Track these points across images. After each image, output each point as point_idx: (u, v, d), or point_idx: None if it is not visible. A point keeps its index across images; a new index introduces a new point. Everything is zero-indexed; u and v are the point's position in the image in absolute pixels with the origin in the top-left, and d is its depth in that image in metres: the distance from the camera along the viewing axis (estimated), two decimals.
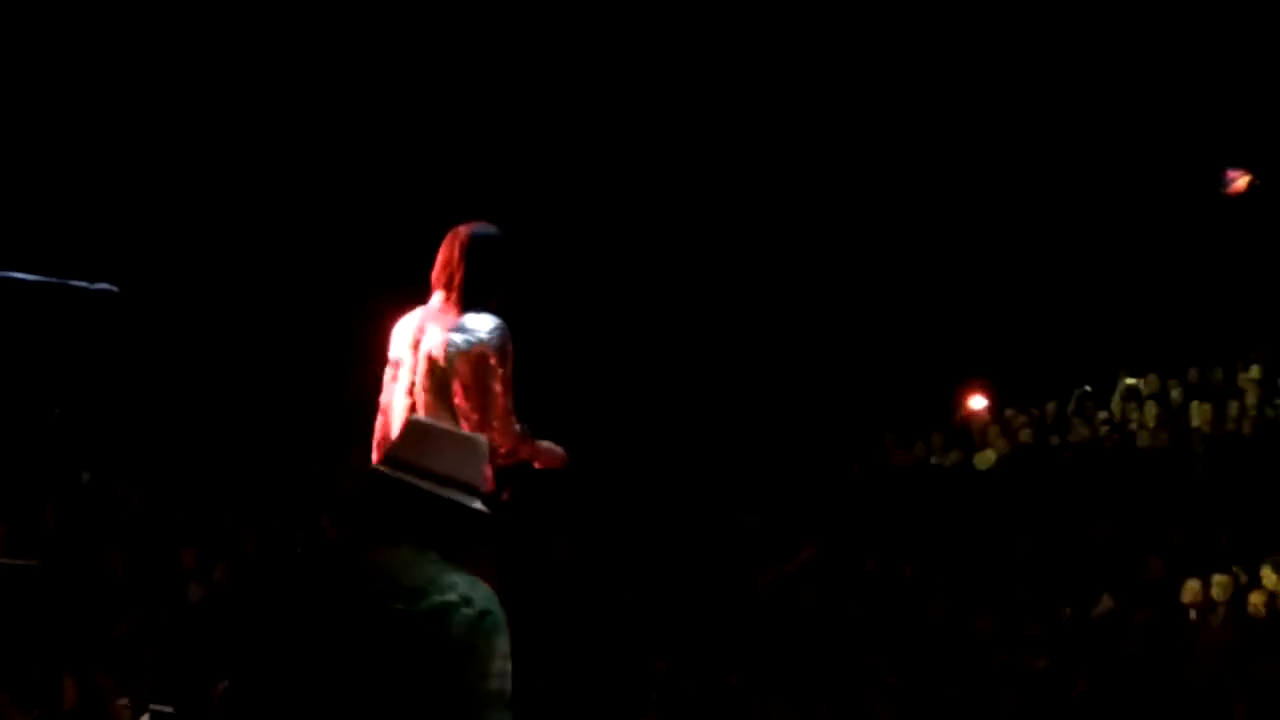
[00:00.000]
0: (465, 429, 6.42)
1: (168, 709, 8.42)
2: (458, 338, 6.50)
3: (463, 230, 6.66)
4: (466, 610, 3.83)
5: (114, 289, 5.33)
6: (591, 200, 13.49)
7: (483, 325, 6.42)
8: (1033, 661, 10.09)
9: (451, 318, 6.57)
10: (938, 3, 13.19)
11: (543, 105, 13.34)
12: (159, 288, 11.18)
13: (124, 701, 8.41)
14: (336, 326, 11.07)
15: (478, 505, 4.03)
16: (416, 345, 6.67)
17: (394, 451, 4.13)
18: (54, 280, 5.26)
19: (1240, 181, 12.58)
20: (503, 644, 3.87)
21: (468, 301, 6.53)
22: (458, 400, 6.46)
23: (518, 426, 6.37)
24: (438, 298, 6.66)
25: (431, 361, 6.62)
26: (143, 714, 8.42)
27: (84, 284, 5.24)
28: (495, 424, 6.37)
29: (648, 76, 13.28)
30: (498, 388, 6.37)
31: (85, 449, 10.90)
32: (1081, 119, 13.37)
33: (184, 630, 9.72)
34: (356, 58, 12.90)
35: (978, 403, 13.45)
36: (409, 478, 4.02)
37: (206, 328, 12.64)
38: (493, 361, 6.37)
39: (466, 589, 3.88)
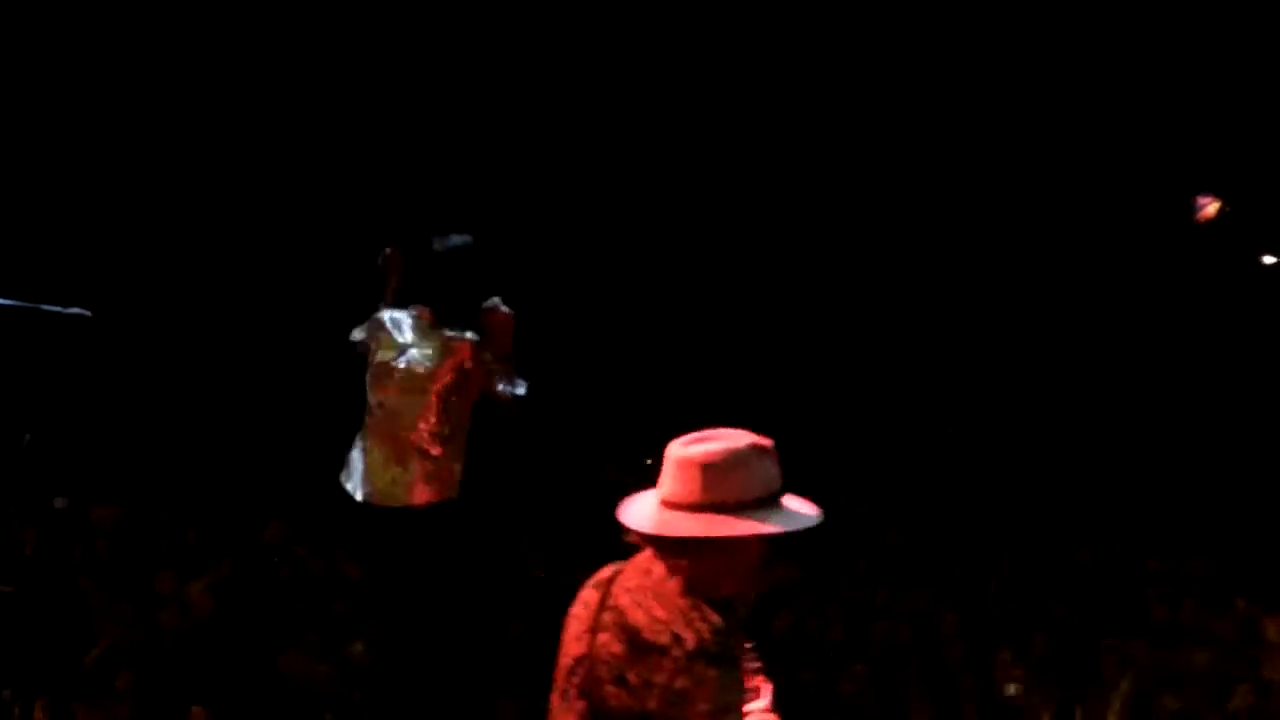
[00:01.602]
0: (447, 431, 6.50)
1: None
2: (437, 347, 6.59)
3: (436, 243, 6.73)
4: None
5: (87, 313, 5.35)
6: (560, 198, 13.47)
7: (460, 334, 6.52)
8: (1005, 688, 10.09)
9: (430, 326, 6.65)
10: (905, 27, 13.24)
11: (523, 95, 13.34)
12: (132, 311, 11.17)
13: None
14: (312, 345, 11.09)
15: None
16: (396, 353, 6.74)
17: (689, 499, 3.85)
18: (27, 305, 5.28)
19: (1210, 208, 12.65)
20: None
21: (444, 311, 6.62)
22: (440, 404, 6.55)
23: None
24: (415, 308, 6.74)
25: (411, 369, 6.69)
26: None
27: (57, 308, 5.26)
28: (459, 434, 6.49)
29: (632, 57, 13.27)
30: (476, 388, 6.50)
31: (59, 474, 10.89)
32: (1050, 145, 13.41)
33: (159, 655, 9.69)
34: (337, 64, 12.90)
35: None
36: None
37: (180, 350, 12.63)
38: (469, 366, 6.47)
39: None
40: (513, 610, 9.53)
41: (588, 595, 4.02)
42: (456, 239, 6.74)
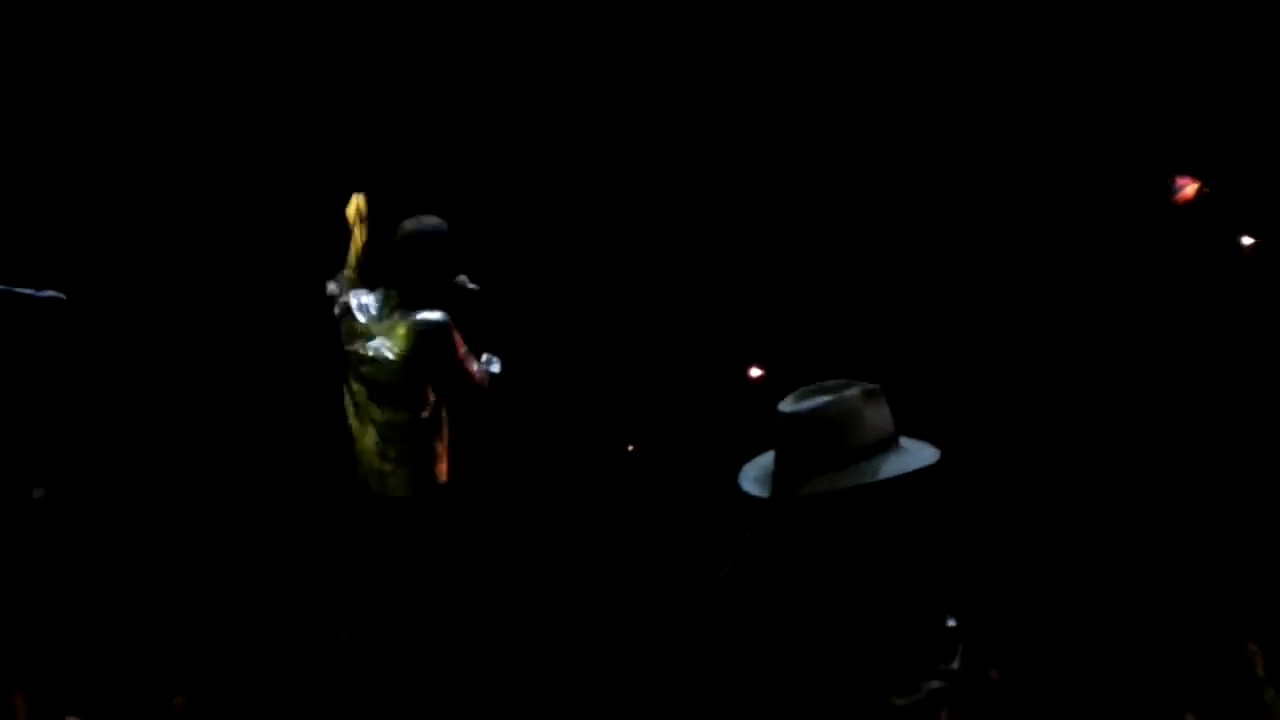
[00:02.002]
0: (427, 416, 6.50)
1: None
2: (407, 331, 6.59)
3: (407, 225, 6.72)
4: None
5: (62, 296, 5.31)
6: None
7: (430, 317, 6.52)
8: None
9: (399, 311, 6.65)
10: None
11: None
12: (109, 293, 11.11)
13: None
14: (288, 329, 11.04)
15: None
16: (365, 340, 6.73)
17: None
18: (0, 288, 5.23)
19: (1189, 189, 12.65)
20: None
21: (414, 295, 6.61)
22: (415, 389, 6.56)
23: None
24: (384, 291, 6.73)
25: (381, 355, 6.70)
26: None
27: (31, 291, 5.21)
28: (443, 410, 6.49)
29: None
30: (450, 372, 6.51)
31: (36, 463, 10.83)
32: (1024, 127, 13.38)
33: (139, 645, 9.67)
34: (312, 50, 12.85)
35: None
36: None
37: (159, 334, 12.58)
38: (441, 349, 6.48)
39: None
40: (500, 602, 9.53)
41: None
42: (427, 220, 6.74)
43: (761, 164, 13.50)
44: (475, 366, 6.78)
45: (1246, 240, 13.12)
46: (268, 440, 12.13)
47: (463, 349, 6.71)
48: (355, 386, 6.80)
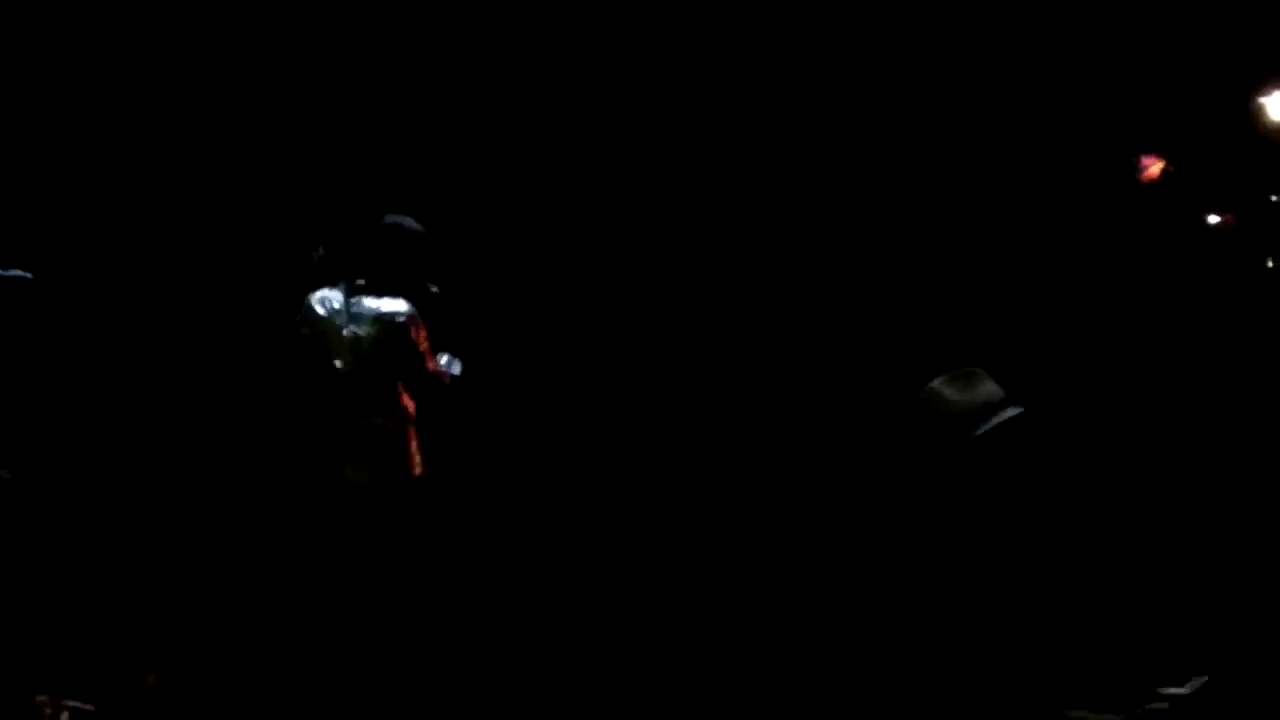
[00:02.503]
0: (396, 407, 6.55)
1: (88, 707, 8.39)
2: (376, 319, 6.64)
3: (386, 221, 6.78)
4: None
5: (28, 275, 5.33)
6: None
7: (399, 308, 6.58)
8: None
9: (369, 300, 6.70)
10: None
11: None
12: (76, 273, 11.08)
13: (43, 699, 8.37)
14: (254, 310, 11.03)
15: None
16: (337, 327, 6.76)
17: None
18: None
19: (1154, 168, 12.71)
20: None
21: (382, 289, 6.67)
22: (381, 381, 6.61)
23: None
24: (349, 284, 6.77)
25: (356, 342, 6.75)
26: (62, 712, 8.39)
27: None
28: (407, 396, 6.55)
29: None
30: (416, 362, 6.56)
31: (2, 445, 10.81)
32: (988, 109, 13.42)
33: (108, 625, 9.66)
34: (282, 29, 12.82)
35: None
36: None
37: (126, 314, 12.56)
38: (411, 338, 6.54)
39: None
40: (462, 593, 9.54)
41: None
42: (406, 219, 6.78)
43: (715, 160, 13.59)
44: (437, 365, 6.83)
45: (1213, 219, 13.22)
46: (239, 426, 12.13)
47: (425, 345, 6.77)
48: (322, 377, 6.83)
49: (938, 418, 5.17)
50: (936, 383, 5.29)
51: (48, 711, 8.25)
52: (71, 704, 8.24)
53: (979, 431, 5.23)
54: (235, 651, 9.07)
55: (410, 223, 6.77)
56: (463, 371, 7.07)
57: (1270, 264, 13.28)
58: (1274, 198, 13.21)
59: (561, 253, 13.27)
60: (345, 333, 6.83)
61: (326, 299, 6.84)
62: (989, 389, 5.27)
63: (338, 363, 6.79)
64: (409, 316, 6.63)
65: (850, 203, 13.77)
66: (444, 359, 6.99)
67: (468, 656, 8.87)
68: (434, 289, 6.77)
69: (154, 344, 12.66)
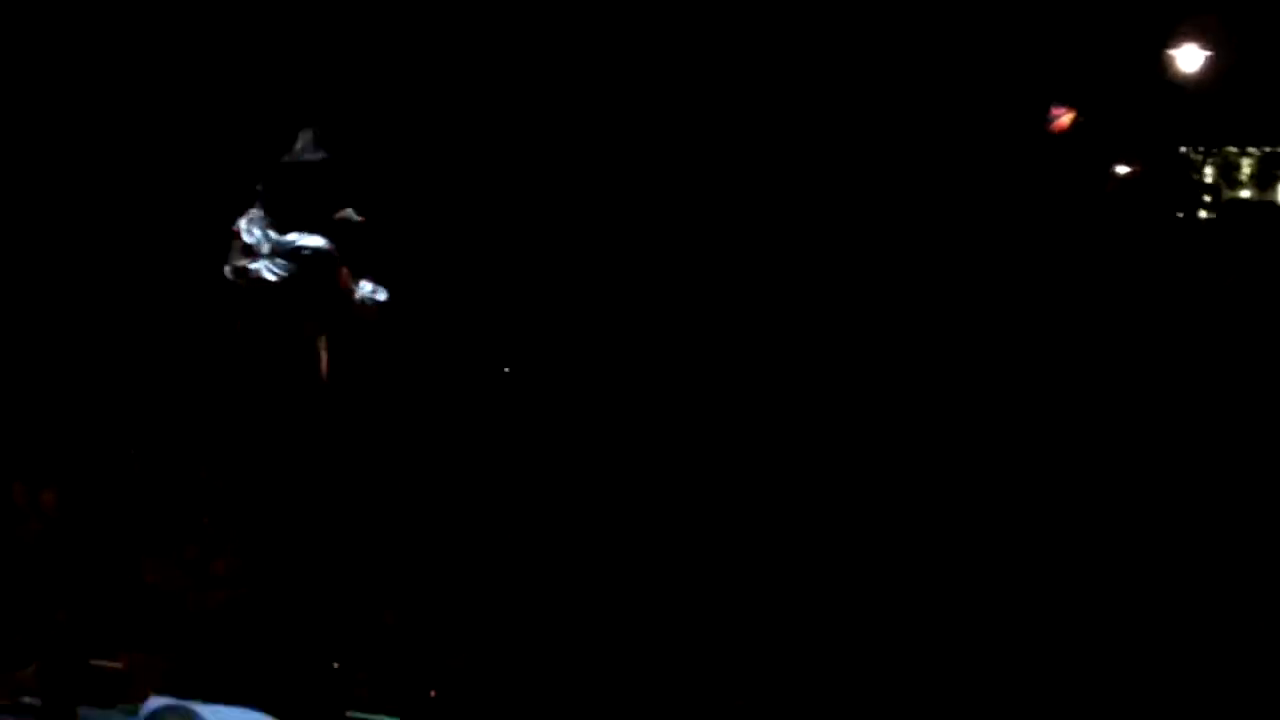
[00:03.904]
0: (310, 343, 6.48)
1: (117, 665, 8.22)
2: (288, 256, 6.59)
3: (292, 151, 6.70)
4: None
5: None
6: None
7: (310, 243, 6.51)
8: None
9: (282, 239, 6.63)
10: None
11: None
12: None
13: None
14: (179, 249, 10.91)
15: None
16: (249, 260, 6.69)
17: None
18: None
19: (1065, 118, 12.81)
20: None
21: (296, 222, 6.60)
22: (293, 314, 6.54)
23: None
24: (268, 217, 6.70)
25: (262, 276, 6.68)
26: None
27: None
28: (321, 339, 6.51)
29: None
30: (331, 301, 6.51)
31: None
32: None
33: (14, 564, 9.41)
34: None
35: None
36: None
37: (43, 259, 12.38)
38: (321, 275, 6.49)
39: None
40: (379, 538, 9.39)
41: None
42: (309, 152, 6.71)
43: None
44: (360, 295, 6.73)
45: (1122, 169, 13.34)
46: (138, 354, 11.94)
47: (345, 277, 6.65)
48: (235, 308, 6.70)
49: None
50: None
51: None
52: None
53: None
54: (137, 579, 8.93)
55: (322, 151, 6.68)
56: (388, 298, 6.95)
57: (1178, 215, 13.43)
58: (1182, 149, 13.35)
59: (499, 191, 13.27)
60: (263, 259, 6.71)
61: (251, 231, 6.74)
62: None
63: (252, 287, 6.68)
64: (322, 250, 6.53)
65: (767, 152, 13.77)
66: (367, 287, 6.88)
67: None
68: (357, 218, 6.67)
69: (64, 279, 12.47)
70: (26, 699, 7.06)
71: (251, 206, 6.73)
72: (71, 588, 8.40)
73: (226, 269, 6.58)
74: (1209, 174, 12.96)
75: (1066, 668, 9.42)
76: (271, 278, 6.43)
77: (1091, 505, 11.35)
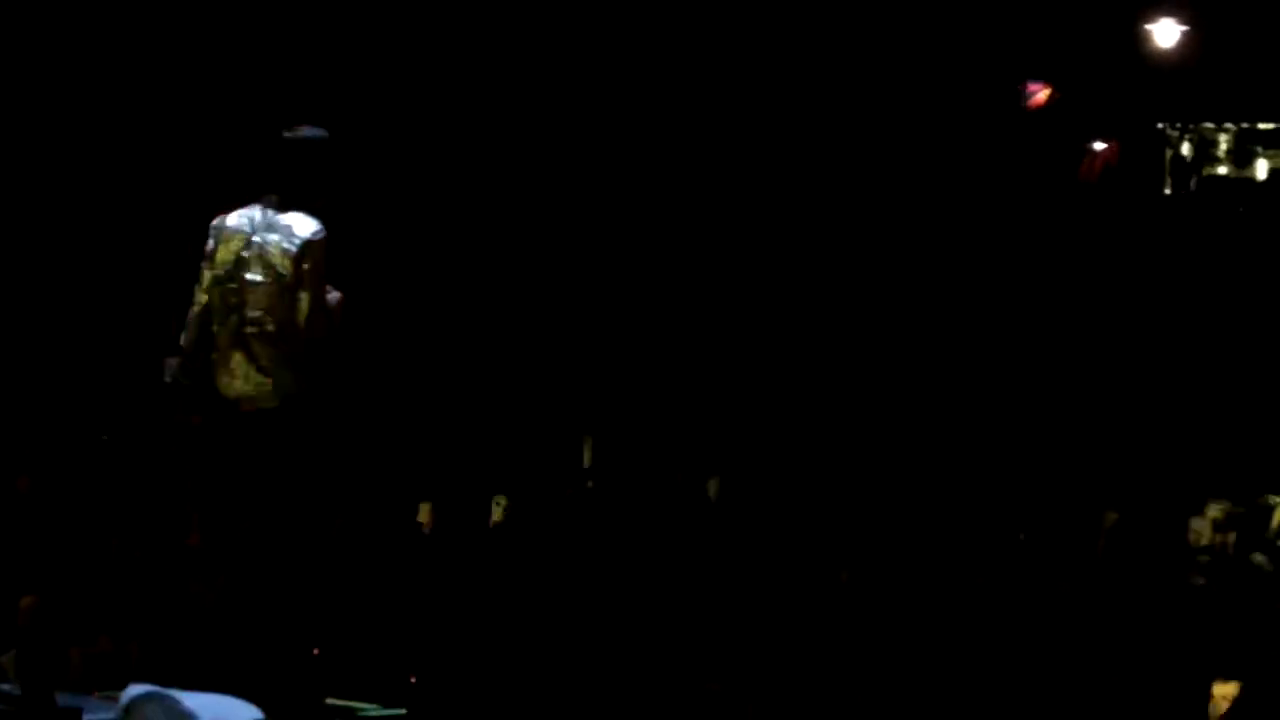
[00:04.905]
0: (301, 323, 6.46)
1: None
2: (285, 238, 6.57)
3: (287, 133, 6.68)
4: None
5: None
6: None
7: (307, 226, 6.50)
8: None
9: (277, 219, 6.62)
10: None
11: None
12: None
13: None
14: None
15: None
16: (245, 247, 6.67)
17: None
18: None
19: (1041, 95, 12.78)
20: None
21: (291, 203, 6.59)
22: (295, 296, 6.52)
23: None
24: (261, 200, 6.68)
25: (264, 262, 6.67)
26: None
27: None
28: (320, 317, 6.48)
29: None
30: (321, 282, 6.51)
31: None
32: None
33: None
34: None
35: None
36: None
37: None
38: (319, 259, 6.48)
39: None
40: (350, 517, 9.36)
41: None
42: (308, 130, 6.69)
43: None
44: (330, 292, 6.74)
45: (1099, 145, 13.33)
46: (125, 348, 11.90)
47: (323, 268, 6.65)
48: (227, 300, 6.65)
49: None
50: None
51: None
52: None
53: None
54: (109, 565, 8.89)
55: (318, 131, 6.65)
56: (340, 302, 6.96)
57: (1155, 191, 13.40)
58: (1159, 125, 13.34)
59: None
60: (255, 240, 6.68)
61: (244, 212, 6.72)
62: None
63: (249, 275, 6.64)
64: (321, 232, 6.52)
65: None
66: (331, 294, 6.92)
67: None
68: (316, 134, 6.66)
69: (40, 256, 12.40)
70: (5, 686, 7.01)
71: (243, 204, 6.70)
72: (48, 574, 8.34)
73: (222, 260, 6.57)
74: (1186, 150, 12.95)
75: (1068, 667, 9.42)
76: (274, 258, 6.45)
77: (1075, 478, 11.39)
